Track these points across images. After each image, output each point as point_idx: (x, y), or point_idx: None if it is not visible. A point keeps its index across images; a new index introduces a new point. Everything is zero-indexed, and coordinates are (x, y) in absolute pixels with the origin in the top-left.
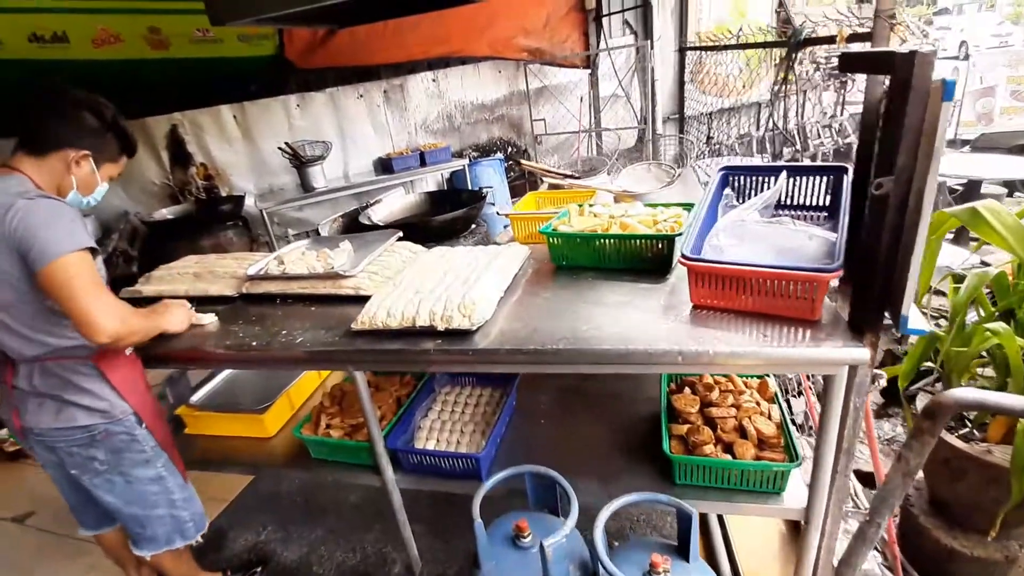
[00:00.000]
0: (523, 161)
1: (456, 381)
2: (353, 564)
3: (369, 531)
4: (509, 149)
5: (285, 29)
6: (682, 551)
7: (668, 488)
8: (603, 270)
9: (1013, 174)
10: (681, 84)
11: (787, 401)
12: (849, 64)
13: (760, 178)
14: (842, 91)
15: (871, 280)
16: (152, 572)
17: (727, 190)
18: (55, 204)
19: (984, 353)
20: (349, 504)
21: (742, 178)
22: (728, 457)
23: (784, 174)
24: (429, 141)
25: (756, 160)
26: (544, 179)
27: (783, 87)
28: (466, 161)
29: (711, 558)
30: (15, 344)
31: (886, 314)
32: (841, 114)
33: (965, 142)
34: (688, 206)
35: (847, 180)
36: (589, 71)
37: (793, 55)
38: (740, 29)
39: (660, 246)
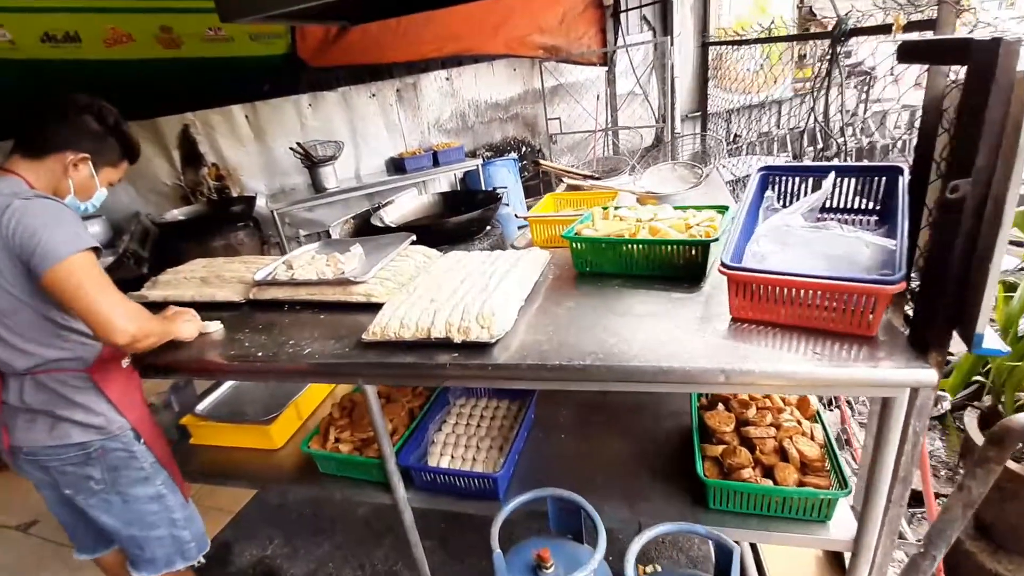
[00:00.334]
0: (542, 161)
1: (472, 393)
2: None
3: (378, 547)
4: (523, 148)
5: (297, 27)
6: None
7: (701, 513)
8: (629, 277)
9: None
10: (704, 80)
11: None
12: (911, 54)
13: (803, 179)
14: (864, 88)
15: (940, 293)
16: None
17: (768, 192)
18: (54, 204)
19: None
20: (358, 517)
21: (783, 179)
22: (768, 482)
23: (832, 174)
24: (442, 140)
25: (778, 160)
26: (562, 180)
27: (826, 81)
28: (480, 161)
29: None
30: (5, 355)
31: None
32: (864, 112)
33: None
34: (722, 208)
35: (903, 181)
36: (606, 68)
37: (839, 46)
38: (772, 22)
39: (694, 252)
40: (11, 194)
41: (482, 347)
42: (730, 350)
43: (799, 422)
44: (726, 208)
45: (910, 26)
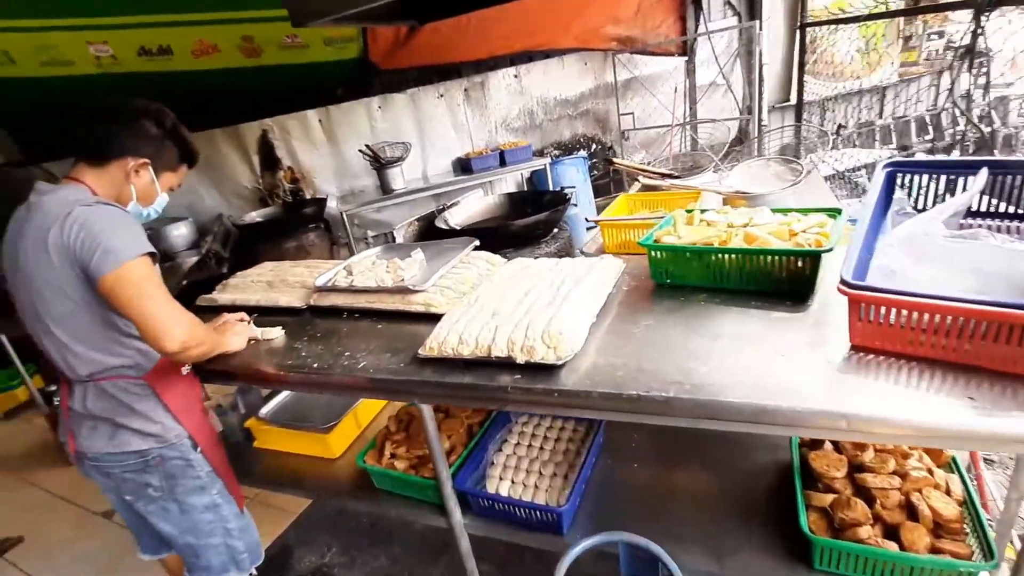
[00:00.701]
0: (615, 159)
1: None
2: None
3: (435, 564)
4: (593, 146)
5: (369, 30)
6: None
7: (803, 574)
8: (717, 291)
9: None
10: (801, 66)
11: None
12: None
13: (942, 177)
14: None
15: None
16: None
17: (897, 193)
18: (113, 210)
19: None
20: (415, 531)
21: (915, 177)
22: (892, 545)
23: (984, 171)
24: (509, 139)
25: (883, 152)
26: (637, 179)
27: (967, 61)
28: (547, 160)
29: None
30: (69, 361)
31: None
32: (984, 98)
33: None
34: (833, 212)
35: None
36: (685, 58)
37: (983, 19)
38: None
39: (801, 264)
40: (74, 201)
41: (548, 369)
42: (851, 388)
43: (930, 471)
44: (838, 212)
45: None
